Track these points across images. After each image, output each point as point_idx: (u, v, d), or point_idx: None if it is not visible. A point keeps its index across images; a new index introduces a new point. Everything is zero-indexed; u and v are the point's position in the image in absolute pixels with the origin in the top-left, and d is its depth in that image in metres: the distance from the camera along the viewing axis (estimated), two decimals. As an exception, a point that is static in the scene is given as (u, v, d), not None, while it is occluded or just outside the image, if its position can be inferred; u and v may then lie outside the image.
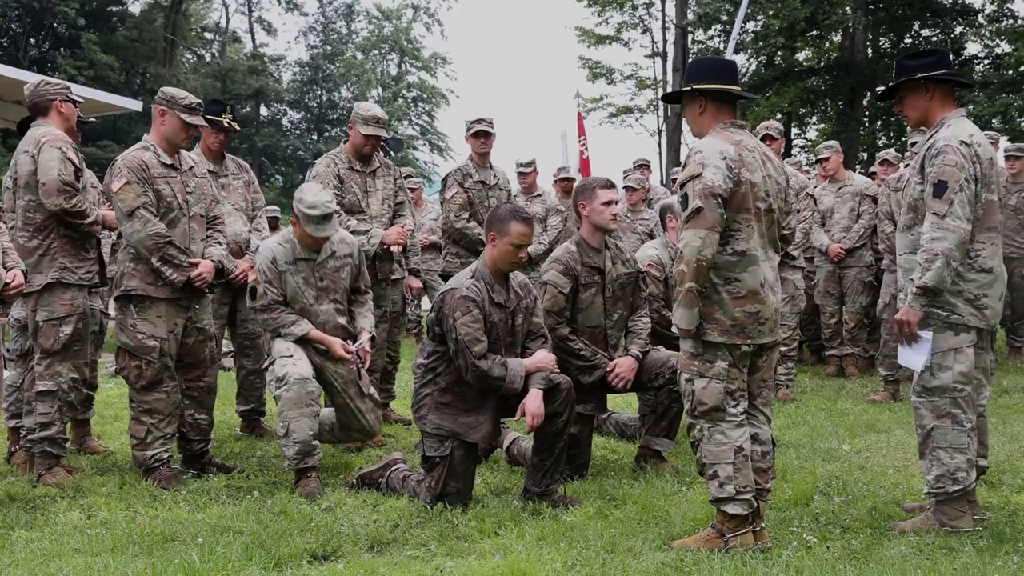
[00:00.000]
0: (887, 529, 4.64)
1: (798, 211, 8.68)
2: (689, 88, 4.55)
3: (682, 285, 4.29)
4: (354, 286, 6.17)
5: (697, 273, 4.24)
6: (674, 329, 4.43)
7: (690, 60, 4.87)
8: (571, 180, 11.40)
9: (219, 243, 6.14)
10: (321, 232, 5.76)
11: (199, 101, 5.95)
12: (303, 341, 5.80)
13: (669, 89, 31.37)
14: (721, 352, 4.35)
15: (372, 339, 6.11)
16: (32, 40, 38.98)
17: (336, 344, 5.86)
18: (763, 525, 4.44)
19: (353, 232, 6.72)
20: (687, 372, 4.43)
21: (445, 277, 7.88)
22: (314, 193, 5.77)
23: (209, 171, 6.83)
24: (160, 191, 5.76)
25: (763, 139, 8.75)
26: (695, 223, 4.24)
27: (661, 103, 32.14)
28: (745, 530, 4.35)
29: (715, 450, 4.34)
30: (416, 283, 7.94)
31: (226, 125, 6.95)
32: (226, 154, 7.21)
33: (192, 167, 6.05)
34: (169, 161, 5.86)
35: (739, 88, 4.62)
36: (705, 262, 4.24)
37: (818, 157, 10.20)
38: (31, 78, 13.15)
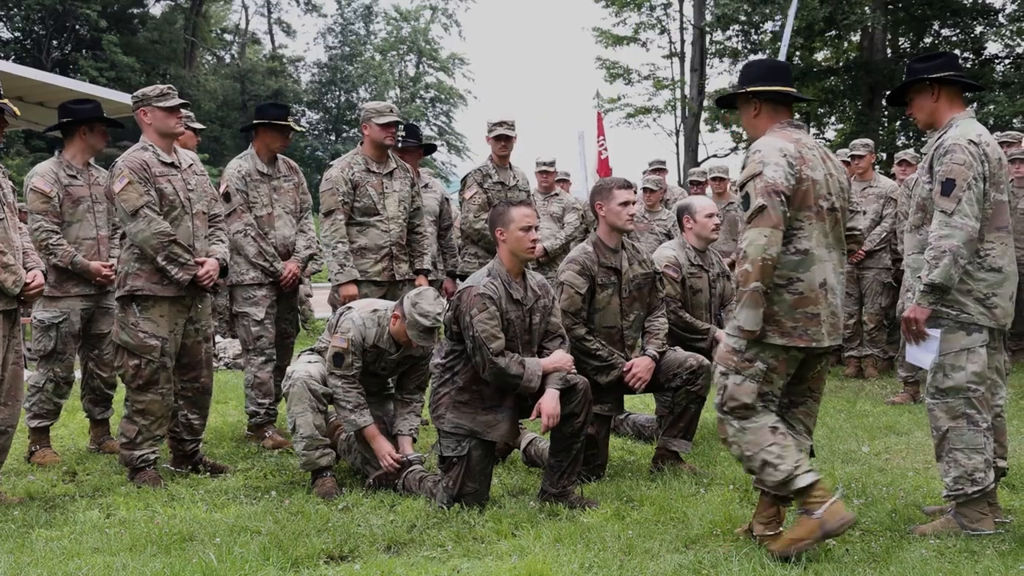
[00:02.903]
0: (907, 532, 4.61)
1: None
2: (743, 91, 4.49)
3: (746, 285, 4.17)
4: (404, 382, 5.99)
5: (762, 272, 4.14)
6: (729, 330, 4.33)
7: (744, 63, 4.75)
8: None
9: (222, 241, 6.15)
10: (422, 341, 5.54)
11: (168, 85, 5.99)
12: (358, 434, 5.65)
13: (687, 90, 31.33)
14: (764, 353, 4.26)
15: (414, 441, 5.90)
16: (54, 42, 39.22)
17: (384, 452, 5.57)
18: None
19: (335, 255, 6.71)
20: (723, 365, 4.34)
21: (463, 277, 7.90)
22: (430, 302, 5.49)
23: (262, 173, 6.93)
24: (162, 189, 5.79)
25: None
26: (759, 221, 4.16)
27: (679, 103, 32.05)
28: (833, 498, 4.16)
29: (752, 438, 4.26)
30: (451, 285, 7.98)
31: (295, 127, 7.08)
32: (279, 156, 7.19)
33: (192, 164, 6.08)
34: (168, 159, 5.89)
35: (794, 89, 4.54)
36: (771, 261, 4.15)
37: (852, 153, 10.11)
38: (54, 80, 13.35)
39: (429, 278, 7.60)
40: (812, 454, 4.77)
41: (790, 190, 4.19)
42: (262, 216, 6.95)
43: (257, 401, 6.92)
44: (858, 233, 4.72)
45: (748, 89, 4.47)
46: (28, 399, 6.43)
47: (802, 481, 4.16)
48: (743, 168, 4.36)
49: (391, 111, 6.93)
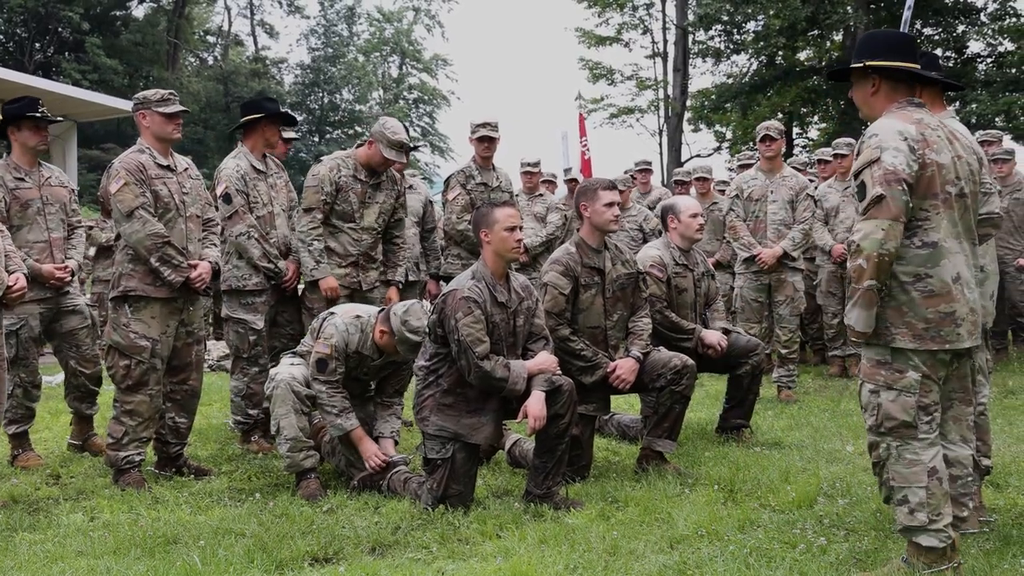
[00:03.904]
0: (892, 531, 4.60)
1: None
2: (861, 65, 4.07)
3: (859, 283, 3.79)
4: (383, 386, 5.96)
5: (878, 269, 3.75)
6: (853, 336, 3.94)
7: (864, 34, 4.21)
8: (576, 180, 11.43)
9: (215, 245, 6.16)
10: (410, 354, 5.56)
11: (171, 92, 5.98)
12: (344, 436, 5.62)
13: (670, 90, 31.37)
14: (912, 361, 3.85)
15: (396, 443, 5.85)
16: (37, 45, 39.04)
17: (370, 454, 5.56)
18: (961, 561, 3.94)
19: (310, 252, 6.58)
20: (872, 383, 3.92)
21: (446, 279, 7.89)
22: (418, 317, 5.48)
23: (258, 171, 6.86)
24: (157, 192, 5.78)
25: (762, 140, 8.75)
26: (876, 212, 3.76)
27: (662, 103, 32.08)
28: (944, 567, 3.83)
29: (905, 472, 3.85)
30: (435, 287, 7.96)
31: (291, 119, 7.15)
32: (266, 154, 7.06)
33: (187, 168, 6.07)
34: (164, 162, 5.89)
35: (918, 66, 4.10)
36: (888, 256, 3.75)
37: (836, 152, 10.14)
38: (36, 83, 13.30)
39: (410, 279, 7.58)
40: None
41: (912, 177, 3.80)
42: (263, 216, 6.81)
43: (246, 412, 6.87)
44: (995, 216, 4.41)
45: (868, 64, 4.05)
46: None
47: (927, 541, 3.84)
48: (857, 154, 3.97)
49: (400, 148, 6.71)
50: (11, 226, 6.37)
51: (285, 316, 7.04)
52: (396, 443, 5.82)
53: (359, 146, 7.01)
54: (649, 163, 12.60)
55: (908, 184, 3.78)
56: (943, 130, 4.00)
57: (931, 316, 3.83)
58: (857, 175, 3.90)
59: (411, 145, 7.27)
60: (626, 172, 12.32)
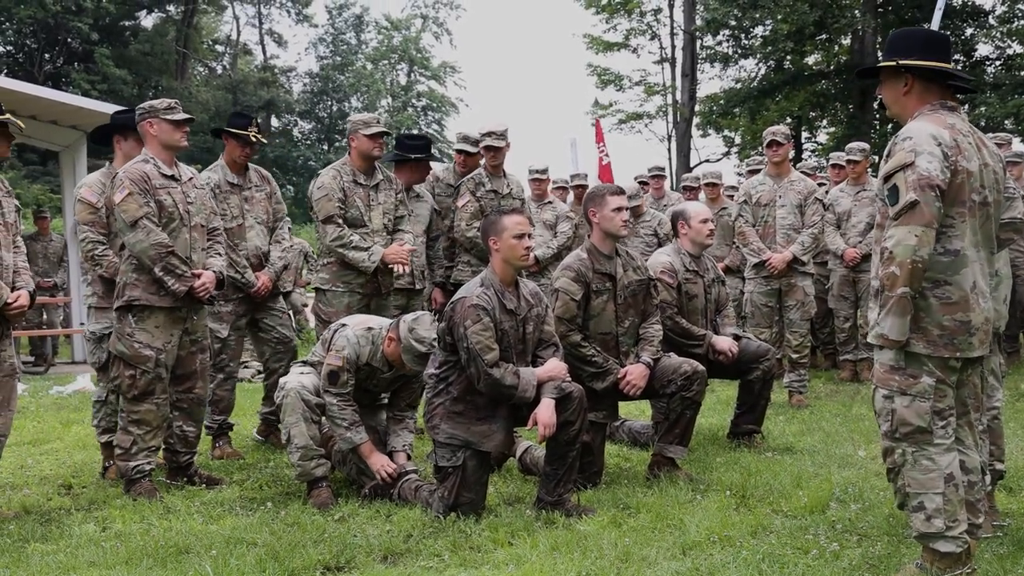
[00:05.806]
0: (905, 536, 4.59)
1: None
2: (894, 63, 4.00)
3: (893, 290, 3.72)
4: (395, 400, 5.95)
5: (912, 276, 3.70)
6: (871, 338, 3.88)
7: (894, 31, 4.12)
8: (585, 187, 11.41)
9: (219, 254, 6.17)
10: (415, 365, 5.55)
11: (175, 100, 6.00)
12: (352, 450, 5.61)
13: (679, 95, 31.34)
14: (926, 366, 3.81)
15: (408, 457, 5.82)
16: (47, 55, 39.14)
17: (378, 465, 5.55)
18: (975, 567, 3.92)
19: (354, 248, 6.72)
20: (885, 388, 3.88)
21: (456, 285, 7.88)
22: (426, 328, 5.47)
23: (232, 184, 6.95)
24: (162, 201, 5.80)
25: (769, 145, 8.75)
26: (909, 218, 3.70)
27: (671, 109, 32.06)
28: (959, 571, 3.81)
29: (921, 478, 3.82)
30: (440, 296, 7.98)
31: (252, 139, 6.98)
32: (250, 165, 7.20)
33: (191, 178, 6.09)
34: (169, 172, 5.90)
35: (953, 67, 4.03)
36: (921, 263, 3.70)
37: (848, 158, 10.12)
38: (46, 93, 13.34)
39: (417, 287, 7.58)
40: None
41: (945, 184, 3.74)
42: (232, 228, 6.90)
43: (212, 417, 6.95)
44: (1018, 221, 4.39)
45: (901, 63, 3.98)
46: (95, 415, 6.46)
47: (945, 547, 3.81)
48: (887, 156, 3.87)
49: (378, 122, 6.93)
50: (111, 233, 6.38)
51: (266, 322, 7.16)
52: (409, 456, 5.81)
53: (348, 154, 7.10)
54: (663, 169, 12.62)
55: (940, 190, 3.73)
56: (973, 136, 3.96)
57: (947, 324, 3.80)
58: (888, 178, 3.82)
59: (387, 129, 7.36)
60: (636, 179, 12.33)
